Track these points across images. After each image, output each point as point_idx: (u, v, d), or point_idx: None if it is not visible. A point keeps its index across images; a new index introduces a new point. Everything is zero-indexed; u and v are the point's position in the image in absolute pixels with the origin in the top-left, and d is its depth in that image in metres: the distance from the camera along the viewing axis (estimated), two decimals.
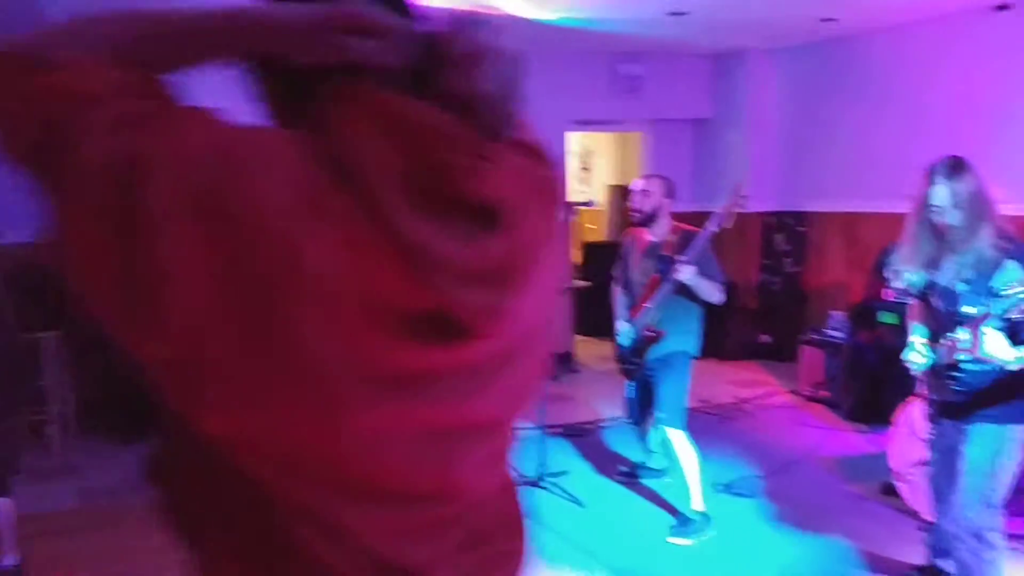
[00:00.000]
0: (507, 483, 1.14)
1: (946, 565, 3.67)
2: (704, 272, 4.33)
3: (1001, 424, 3.14)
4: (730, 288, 4.67)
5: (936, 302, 3.26)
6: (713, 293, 4.41)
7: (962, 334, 3.00)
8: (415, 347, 0.88)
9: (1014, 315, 2.90)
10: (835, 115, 8.04)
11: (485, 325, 0.91)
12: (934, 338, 3.29)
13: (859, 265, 7.73)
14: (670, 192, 4.62)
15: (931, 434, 3.42)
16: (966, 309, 3.10)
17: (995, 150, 6.53)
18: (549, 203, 1.02)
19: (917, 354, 3.31)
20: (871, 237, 7.41)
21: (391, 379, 0.88)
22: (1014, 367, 2.96)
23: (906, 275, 3.34)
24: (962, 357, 3.09)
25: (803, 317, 8.29)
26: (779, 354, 8.17)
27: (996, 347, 2.93)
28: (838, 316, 7.09)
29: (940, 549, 3.67)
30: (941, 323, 3.25)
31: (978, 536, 3.17)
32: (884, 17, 7.11)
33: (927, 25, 7.08)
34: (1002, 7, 6.44)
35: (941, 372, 3.22)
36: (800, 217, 8.54)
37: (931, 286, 3.29)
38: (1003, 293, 2.90)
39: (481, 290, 0.90)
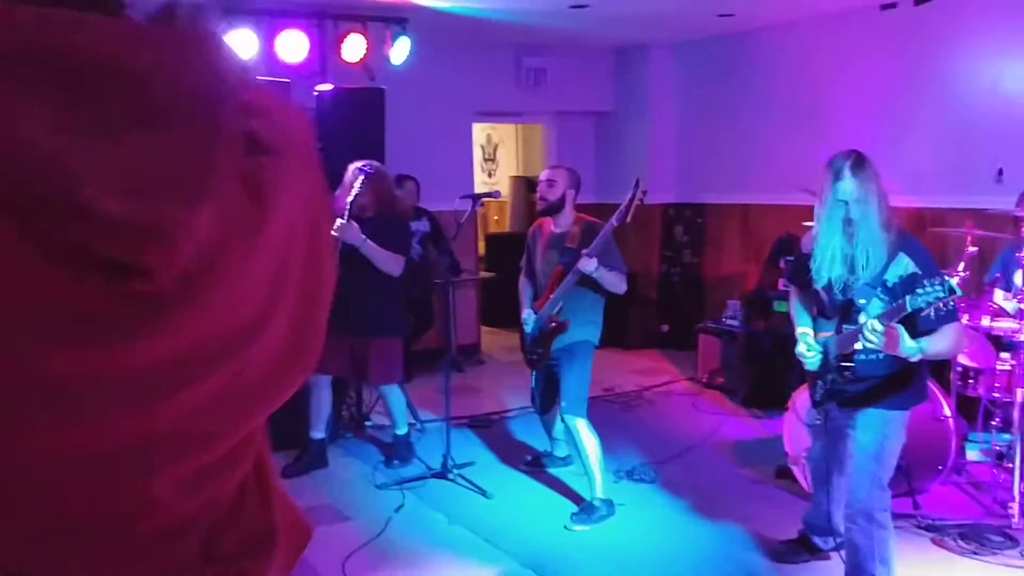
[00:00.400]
0: (251, 497, 0.99)
1: (820, 541, 3.85)
2: (607, 263, 4.41)
3: (889, 410, 3.31)
4: (632, 279, 4.77)
5: (826, 293, 3.40)
6: (617, 284, 4.49)
7: (872, 333, 3.05)
8: (70, 349, 0.72)
9: (929, 312, 3.00)
10: (732, 109, 8.26)
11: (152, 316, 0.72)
12: (817, 325, 3.44)
13: (754, 255, 7.98)
14: (576, 183, 4.69)
15: (818, 419, 3.57)
16: (860, 301, 3.24)
17: (882, 144, 6.82)
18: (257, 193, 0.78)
19: (809, 351, 3.44)
20: (765, 228, 7.66)
21: (48, 388, 0.72)
22: (915, 359, 3.09)
23: (823, 271, 3.35)
24: (859, 348, 3.22)
25: (701, 306, 8.52)
26: (679, 343, 8.37)
27: (907, 345, 3.04)
28: (734, 305, 7.31)
29: (816, 526, 3.85)
30: (828, 312, 3.39)
31: (869, 517, 3.33)
32: (778, 14, 7.34)
33: (818, 22, 7.35)
34: (888, 6, 6.73)
35: (833, 363, 3.35)
36: (698, 209, 8.76)
37: (826, 278, 3.38)
38: (917, 291, 2.99)
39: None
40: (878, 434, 3.31)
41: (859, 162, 3.22)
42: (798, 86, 7.60)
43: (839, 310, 3.34)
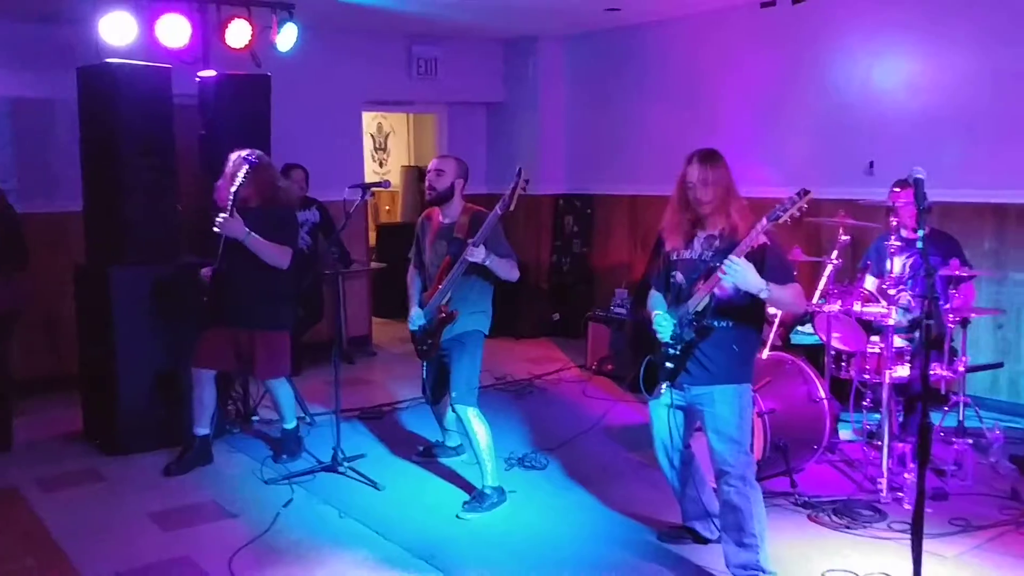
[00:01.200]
0: None
1: (703, 530, 3.98)
2: (495, 251, 4.42)
3: (739, 384, 3.56)
4: (524, 269, 4.80)
5: (680, 276, 3.57)
6: (509, 271, 4.51)
7: (732, 264, 3.25)
8: None
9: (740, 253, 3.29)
10: (620, 102, 8.41)
11: None
12: (671, 309, 3.60)
13: (641, 245, 8.16)
14: (464, 173, 4.68)
15: (673, 400, 3.69)
16: (715, 265, 3.41)
17: (763, 137, 7.07)
18: None
19: (662, 321, 3.59)
20: (651, 219, 7.84)
21: None
22: (764, 296, 3.32)
23: (671, 251, 3.65)
24: (700, 309, 3.44)
25: (591, 295, 8.65)
26: (570, 331, 8.49)
27: (756, 279, 3.27)
28: (622, 293, 7.47)
29: (693, 513, 3.98)
30: (680, 296, 3.55)
31: (743, 479, 3.52)
32: (664, 9, 7.50)
33: (703, 18, 7.54)
34: (767, 4, 6.96)
35: (682, 340, 3.51)
36: (588, 200, 8.88)
37: (679, 260, 3.60)
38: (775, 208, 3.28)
39: None
40: (735, 405, 3.54)
41: (710, 153, 3.52)
42: (683, 79, 7.79)
43: (685, 290, 3.55)
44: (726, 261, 3.28)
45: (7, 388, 5.60)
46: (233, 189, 4.73)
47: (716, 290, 3.40)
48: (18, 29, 6.55)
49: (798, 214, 3.29)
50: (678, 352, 3.54)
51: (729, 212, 3.46)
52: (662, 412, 3.75)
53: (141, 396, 5.38)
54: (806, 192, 3.26)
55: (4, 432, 5.53)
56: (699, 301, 3.45)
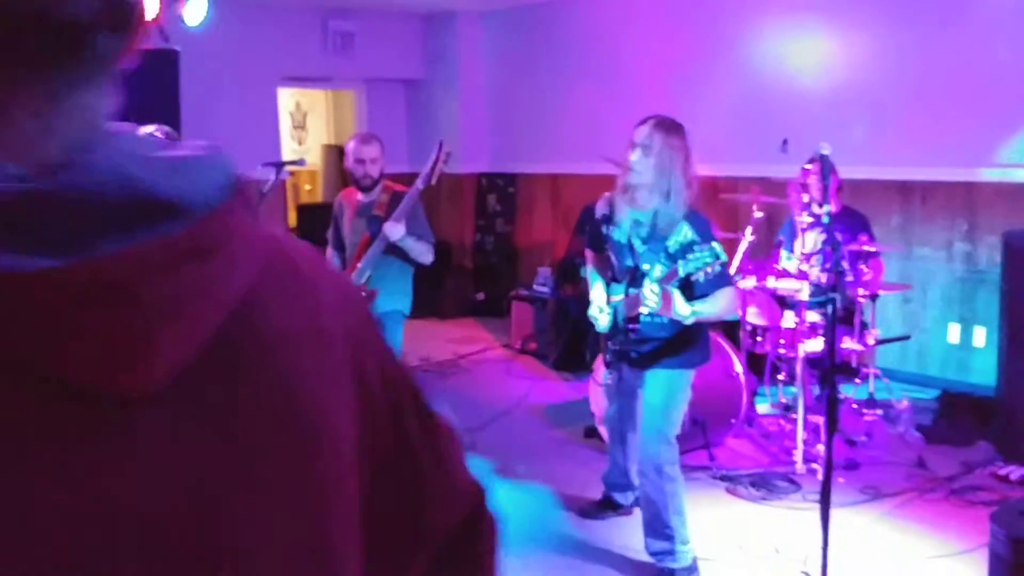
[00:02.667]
0: None
1: (620, 497, 4.03)
2: (414, 232, 4.38)
3: (673, 369, 3.51)
4: (446, 248, 4.77)
5: (614, 258, 3.55)
6: (424, 254, 4.47)
7: (650, 296, 3.21)
8: None
9: (698, 276, 3.20)
10: (540, 79, 8.39)
11: None
12: (610, 289, 3.59)
13: (563, 223, 8.18)
14: (384, 149, 4.64)
15: (610, 380, 3.71)
16: (645, 267, 3.39)
17: (679, 114, 7.11)
18: None
19: (600, 313, 3.59)
20: (573, 197, 7.86)
21: None
22: (689, 321, 3.28)
23: (604, 228, 3.60)
24: (643, 310, 3.37)
25: (515, 274, 8.66)
26: (494, 310, 8.48)
27: (681, 308, 3.22)
28: (545, 272, 7.48)
29: (615, 484, 4.03)
30: (618, 276, 3.55)
31: (659, 470, 3.50)
32: None
33: None
34: None
35: (621, 325, 3.51)
36: (510, 178, 8.87)
37: (608, 240, 3.58)
38: (688, 256, 3.19)
39: None
40: (664, 392, 3.50)
41: (658, 127, 3.43)
42: (602, 56, 7.81)
43: (628, 274, 3.49)
44: (643, 291, 3.20)
45: None
46: None
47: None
48: None
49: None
50: (617, 343, 3.55)
51: (671, 196, 3.33)
52: (610, 386, 3.77)
53: None
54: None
55: None
56: (630, 310, 3.42)
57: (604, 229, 3.61)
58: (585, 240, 3.88)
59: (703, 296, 3.27)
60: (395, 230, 4.26)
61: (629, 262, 3.47)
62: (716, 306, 3.30)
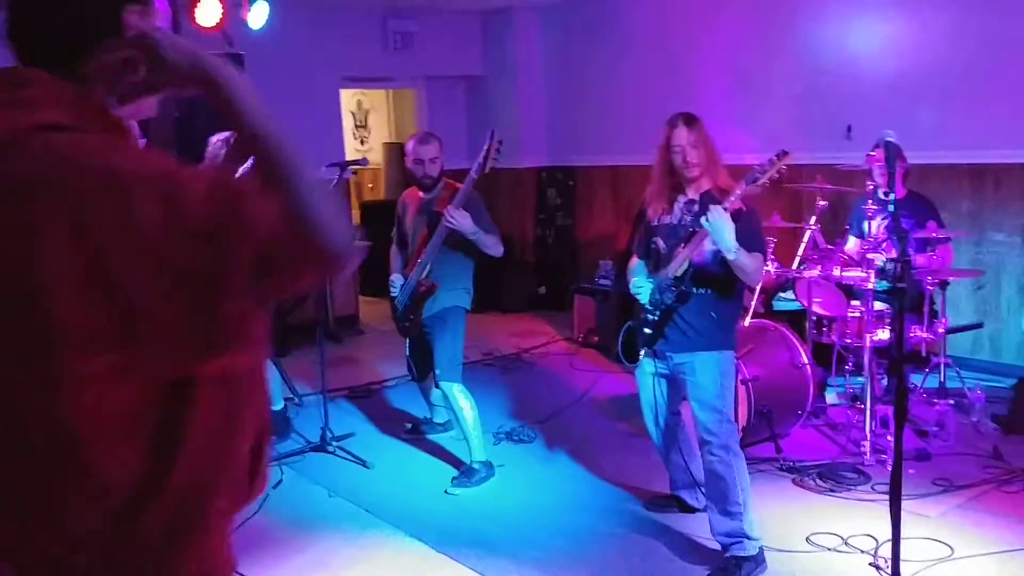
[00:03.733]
0: None
1: (689, 498, 4.02)
2: (478, 226, 4.42)
3: (722, 351, 3.57)
4: (507, 243, 4.79)
5: (661, 242, 3.58)
6: (493, 246, 4.50)
7: (716, 213, 3.26)
8: None
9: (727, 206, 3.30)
10: (598, 71, 8.37)
11: None
12: (653, 274, 3.63)
13: (624, 215, 8.16)
14: (443, 147, 4.69)
15: (656, 369, 3.71)
16: (701, 223, 3.42)
17: (740, 103, 7.07)
18: None
19: (640, 284, 3.64)
20: (634, 188, 7.80)
21: None
22: (731, 257, 3.31)
23: (652, 217, 3.67)
24: (679, 275, 3.45)
25: (576, 267, 8.66)
26: (555, 304, 8.50)
27: (732, 236, 3.26)
28: (606, 265, 7.48)
29: (681, 483, 4.02)
30: (660, 262, 3.57)
31: (726, 447, 3.54)
32: None
33: None
34: None
35: (661, 304, 3.53)
36: (570, 171, 8.87)
37: (660, 226, 3.62)
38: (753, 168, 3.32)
39: None
40: (716, 372, 3.55)
41: (691, 117, 3.51)
42: (660, 47, 7.75)
43: (665, 256, 3.56)
44: (711, 208, 3.28)
45: None
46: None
47: (694, 256, 3.42)
48: None
49: (776, 176, 3.29)
50: (656, 317, 3.56)
51: (713, 175, 3.49)
52: (647, 380, 3.77)
53: None
54: (784, 153, 3.26)
55: None
56: (679, 265, 3.46)
57: (652, 221, 3.68)
58: (635, 239, 3.91)
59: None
60: (457, 217, 4.29)
61: (680, 236, 3.52)
62: (752, 263, 3.39)
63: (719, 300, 3.54)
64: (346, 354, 7.46)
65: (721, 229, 3.26)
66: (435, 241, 4.43)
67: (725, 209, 3.28)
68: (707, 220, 3.28)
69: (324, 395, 5.10)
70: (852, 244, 5.12)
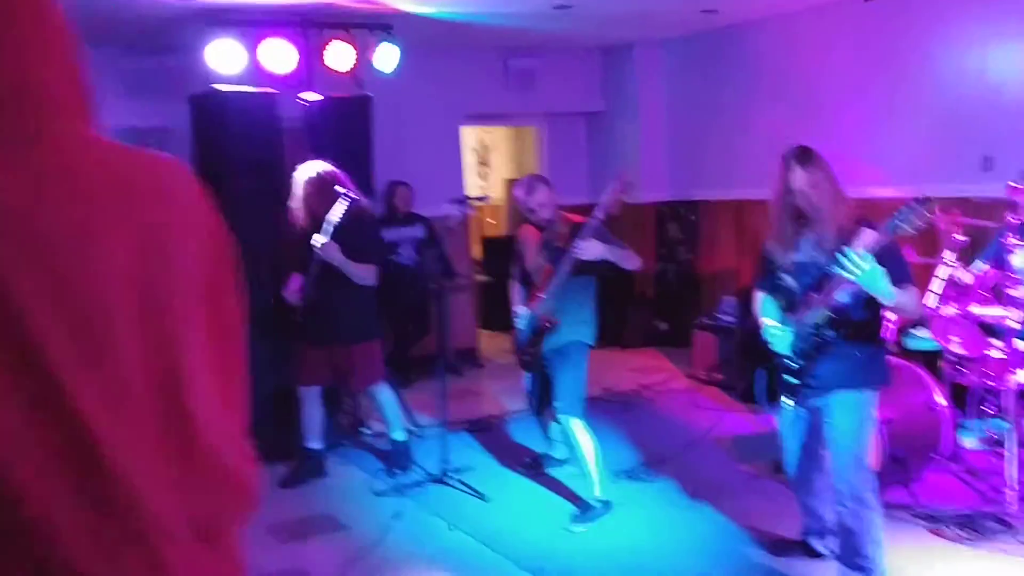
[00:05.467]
0: None
1: (818, 544, 3.86)
2: (610, 244, 4.40)
3: (859, 390, 3.38)
4: (628, 278, 4.76)
5: (790, 280, 3.44)
6: (627, 259, 4.47)
7: (854, 263, 3.04)
8: None
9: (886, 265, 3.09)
10: (720, 104, 8.26)
11: None
12: (784, 318, 3.47)
13: (748, 250, 7.97)
14: (551, 188, 4.70)
15: (791, 410, 3.57)
16: (834, 268, 3.25)
17: (871, 134, 6.84)
18: None
19: (777, 333, 3.47)
20: (758, 223, 7.65)
21: None
22: (890, 303, 3.14)
23: (778, 256, 3.52)
24: (819, 322, 3.26)
25: (698, 303, 8.51)
26: (676, 340, 8.36)
27: (885, 282, 3.06)
28: (729, 301, 7.33)
29: (811, 530, 3.86)
30: (793, 301, 3.43)
31: (858, 499, 3.37)
32: (761, 7, 7.34)
33: (802, 14, 7.35)
34: None
35: (798, 347, 3.39)
36: (691, 206, 8.76)
37: (790, 265, 3.46)
38: (895, 216, 3.07)
39: None
40: (855, 415, 3.37)
41: (806, 154, 3.34)
42: (785, 78, 7.60)
43: (799, 295, 3.40)
44: (854, 260, 3.04)
45: None
46: (337, 216, 4.80)
47: (831, 302, 3.26)
48: (131, 60, 6.86)
49: (923, 225, 3.05)
50: (798, 366, 3.43)
51: (837, 210, 3.29)
52: (788, 421, 3.64)
53: (258, 412, 5.53)
54: (927, 200, 2.97)
55: None
56: (818, 313, 3.30)
57: (776, 258, 3.52)
58: (758, 273, 3.77)
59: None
60: (587, 248, 4.27)
61: (812, 275, 3.36)
62: (909, 298, 3.21)
63: (862, 340, 3.36)
64: (466, 387, 7.53)
65: (874, 280, 3.05)
66: (560, 274, 4.43)
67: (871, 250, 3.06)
68: (856, 276, 3.05)
69: (444, 427, 5.15)
70: (978, 266, 4.84)
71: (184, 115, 5.79)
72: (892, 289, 3.09)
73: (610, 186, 4.28)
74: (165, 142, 7.01)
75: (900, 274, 3.20)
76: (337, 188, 4.84)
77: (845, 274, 3.09)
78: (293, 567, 4.16)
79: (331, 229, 4.80)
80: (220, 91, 5.50)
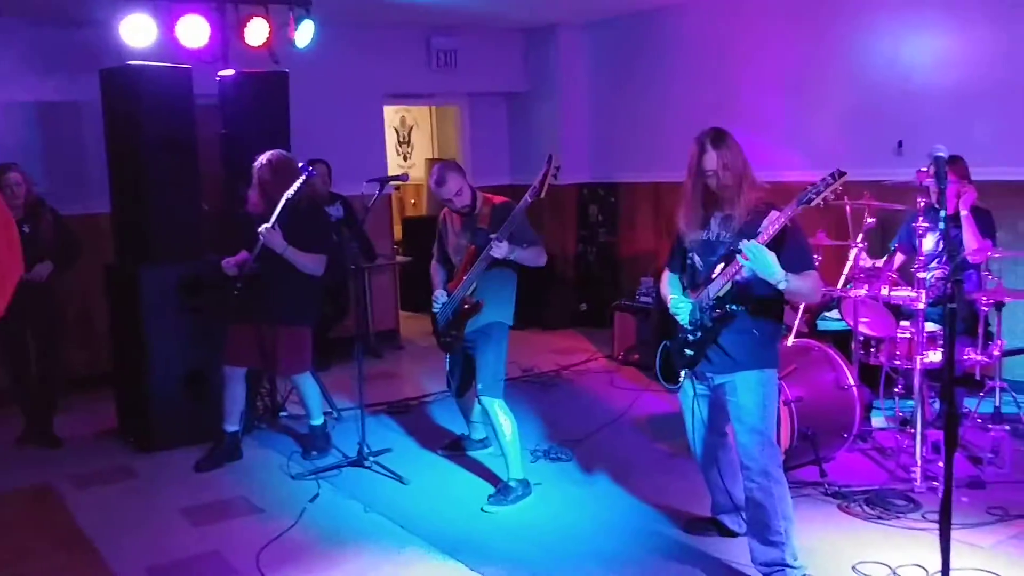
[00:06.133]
0: None
1: (731, 523, 3.93)
2: (523, 240, 4.38)
3: (764, 369, 3.44)
4: (550, 259, 4.74)
5: (697, 259, 3.49)
6: (536, 258, 4.46)
7: (749, 251, 3.13)
8: None
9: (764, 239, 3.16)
10: (642, 88, 8.32)
11: None
12: (687, 294, 3.53)
13: (666, 233, 8.07)
14: (464, 173, 4.65)
15: (691, 387, 3.63)
16: (741, 245, 3.29)
17: (789, 120, 6.97)
18: None
19: (679, 304, 3.51)
20: (676, 205, 7.72)
21: None
22: (782, 286, 3.19)
23: (687, 235, 3.54)
24: (721, 295, 3.32)
25: (617, 284, 8.59)
26: (596, 321, 8.44)
27: (778, 268, 3.13)
28: (648, 282, 7.41)
29: (722, 506, 3.93)
30: (696, 279, 3.48)
31: (766, 474, 3.43)
32: None
33: (724, 0, 7.43)
34: None
35: (698, 319, 3.44)
36: (612, 188, 8.82)
37: (698, 244, 3.50)
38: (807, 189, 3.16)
39: None
40: (758, 392, 3.43)
41: (719, 136, 3.36)
42: (705, 63, 7.68)
43: (703, 272, 3.45)
44: (745, 246, 3.14)
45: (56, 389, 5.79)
46: (288, 196, 4.73)
47: (736, 277, 3.32)
48: (40, 33, 6.59)
49: (832, 197, 3.15)
50: (697, 338, 3.47)
51: (746, 191, 3.33)
52: (689, 403, 3.68)
53: (172, 393, 5.43)
54: (841, 173, 3.08)
55: (48, 432, 5.69)
56: (720, 287, 3.35)
57: (688, 237, 3.55)
58: (669, 253, 3.79)
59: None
60: (500, 249, 4.27)
61: (718, 254, 3.39)
62: (805, 284, 3.27)
63: (760, 317, 3.40)
64: (386, 369, 7.47)
65: (763, 263, 3.13)
66: (480, 264, 4.40)
67: (762, 239, 3.14)
68: (747, 262, 3.14)
69: (362, 410, 5.09)
70: (899, 261, 5.00)
71: (97, 90, 5.58)
72: (783, 274, 3.15)
73: (541, 170, 4.24)
74: (78, 117, 6.75)
75: (801, 260, 3.28)
76: (294, 169, 4.85)
77: (739, 258, 3.18)
78: (207, 550, 4.07)
79: (281, 214, 4.76)
80: (132, 66, 5.30)
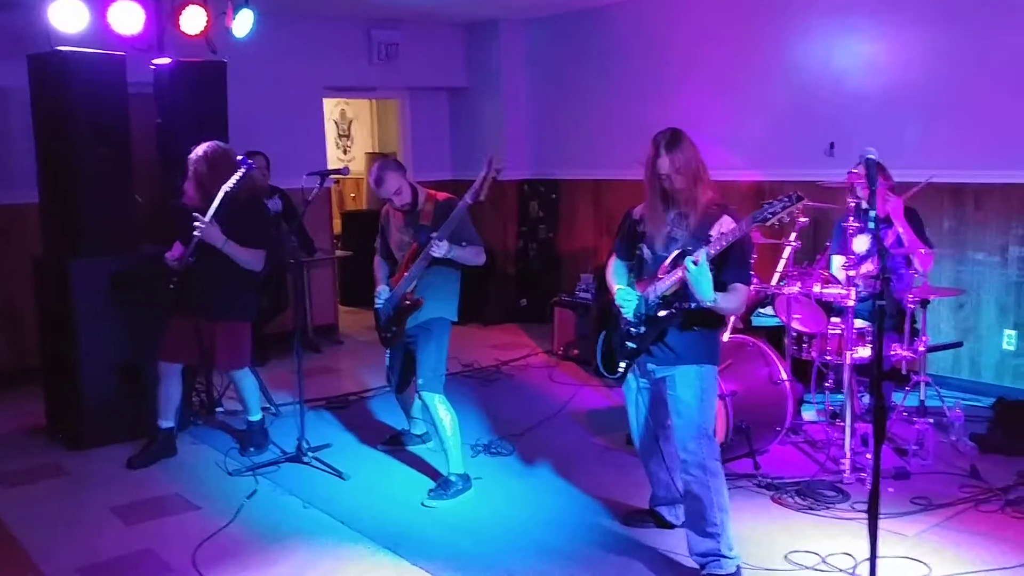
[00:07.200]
0: None
1: (669, 515, 4.00)
2: (463, 239, 4.39)
3: (704, 365, 3.52)
4: (490, 254, 4.77)
5: (647, 252, 3.55)
6: (474, 258, 4.49)
7: (696, 264, 3.19)
8: None
9: (713, 251, 3.23)
10: (582, 85, 8.38)
11: None
12: (634, 286, 3.59)
13: (606, 229, 8.17)
14: (405, 171, 4.64)
15: (639, 383, 3.69)
16: (689, 248, 3.35)
17: (724, 119, 7.09)
18: None
19: (626, 296, 3.57)
20: (615, 203, 7.84)
21: None
22: (707, 304, 3.26)
23: (643, 225, 3.58)
24: (667, 293, 3.38)
25: (557, 280, 8.65)
26: (536, 316, 8.48)
27: (709, 289, 3.21)
28: (587, 278, 7.48)
29: (662, 499, 4.00)
30: (644, 270, 3.56)
31: (702, 467, 3.50)
32: None
33: (663, 0, 7.53)
34: None
35: (642, 313, 3.50)
36: (553, 184, 8.87)
37: (647, 233, 3.56)
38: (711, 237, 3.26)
39: None
40: (697, 387, 3.50)
41: (674, 139, 3.41)
42: (644, 61, 7.77)
43: (653, 268, 3.51)
44: (690, 265, 3.20)
45: None
46: (227, 189, 4.64)
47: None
48: None
49: (787, 219, 3.20)
50: (640, 332, 3.52)
51: (700, 193, 3.39)
52: (632, 395, 3.74)
53: (104, 389, 5.31)
54: (800, 198, 3.12)
55: None
56: (670, 286, 3.39)
57: (641, 227, 3.60)
58: (616, 240, 3.84)
59: (725, 282, 3.32)
60: (440, 248, 4.27)
61: (665, 253, 3.45)
62: (732, 300, 3.36)
63: (703, 315, 3.46)
64: (325, 364, 7.41)
65: (701, 281, 3.20)
66: (423, 260, 4.39)
67: (712, 250, 3.21)
68: (689, 269, 3.20)
69: (301, 405, 5.04)
70: (837, 263, 5.13)
71: (25, 75, 5.41)
72: (715, 296, 3.23)
73: (481, 172, 4.25)
74: (4, 103, 6.54)
75: (739, 274, 3.37)
76: (232, 162, 4.76)
77: (686, 262, 3.23)
78: (141, 548, 3.99)
79: (219, 208, 4.67)
80: (62, 52, 5.16)
